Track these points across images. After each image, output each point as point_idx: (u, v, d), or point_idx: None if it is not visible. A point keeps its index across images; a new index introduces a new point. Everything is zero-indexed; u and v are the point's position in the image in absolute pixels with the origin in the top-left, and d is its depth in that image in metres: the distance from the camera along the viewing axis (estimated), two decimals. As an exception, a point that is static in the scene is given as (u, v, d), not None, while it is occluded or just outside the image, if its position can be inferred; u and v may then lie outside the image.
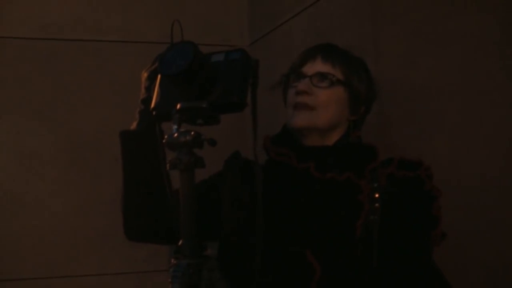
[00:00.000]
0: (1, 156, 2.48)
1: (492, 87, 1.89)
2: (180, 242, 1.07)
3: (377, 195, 1.38)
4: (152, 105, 1.15)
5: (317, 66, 1.45)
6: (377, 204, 1.37)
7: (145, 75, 1.34)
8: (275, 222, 1.35)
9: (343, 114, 1.46)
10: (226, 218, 1.41)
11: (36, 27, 2.54)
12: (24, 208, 2.47)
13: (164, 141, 1.08)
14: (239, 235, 1.36)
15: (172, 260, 1.06)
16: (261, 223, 1.15)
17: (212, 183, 1.47)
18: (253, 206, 1.17)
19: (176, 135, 1.06)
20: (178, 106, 1.08)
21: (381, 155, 1.45)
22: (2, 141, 2.48)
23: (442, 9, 1.86)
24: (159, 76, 1.15)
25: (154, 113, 1.15)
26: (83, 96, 2.57)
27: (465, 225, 1.80)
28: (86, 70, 2.58)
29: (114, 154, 1.40)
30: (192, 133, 1.06)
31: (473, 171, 1.84)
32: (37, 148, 2.50)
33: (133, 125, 1.38)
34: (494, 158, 1.87)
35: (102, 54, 2.59)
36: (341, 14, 1.98)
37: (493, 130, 1.88)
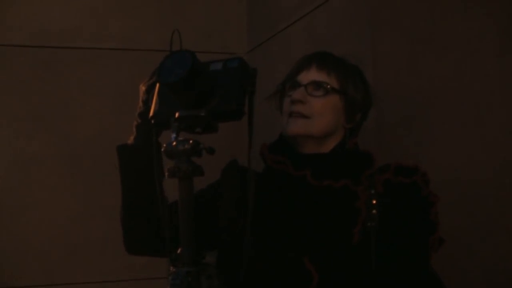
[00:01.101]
0: (1, 163, 2.48)
1: (491, 92, 1.90)
2: (179, 250, 1.07)
3: (374, 202, 1.38)
4: (151, 113, 1.15)
5: (312, 74, 1.44)
6: (374, 211, 1.37)
7: (143, 88, 1.33)
8: (272, 229, 1.35)
9: (339, 122, 1.45)
10: (224, 226, 1.41)
11: (36, 35, 2.55)
12: (24, 216, 2.48)
13: (162, 150, 1.08)
14: (237, 242, 1.36)
15: (171, 268, 1.07)
16: (248, 228, 1.14)
17: (210, 192, 1.46)
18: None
19: (174, 143, 1.06)
20: (177, 114, 1.08)
21: (377, 161, 1.45)
22: (2, 148, 2.49)
23: (440, 15, 1.87)
24: (157, 85, 1.16)
25: (152, 121, 1.15)
26: (82, 104, 2.58)
27: (465, 228, 1.81)
28: (86, 77, 2.59)
29: (113, 162, 1.41)
30: (191, 141, 1.06)
31: (472, 175, 1.85)
32: (37, 156, 2.51)
33: (130, 139, 1.37)
34: (493, 163, 1.88)
35: (102, 61, 2.61)
36: (340, 21, 1.99)
37: (492, 135, 1.89)
